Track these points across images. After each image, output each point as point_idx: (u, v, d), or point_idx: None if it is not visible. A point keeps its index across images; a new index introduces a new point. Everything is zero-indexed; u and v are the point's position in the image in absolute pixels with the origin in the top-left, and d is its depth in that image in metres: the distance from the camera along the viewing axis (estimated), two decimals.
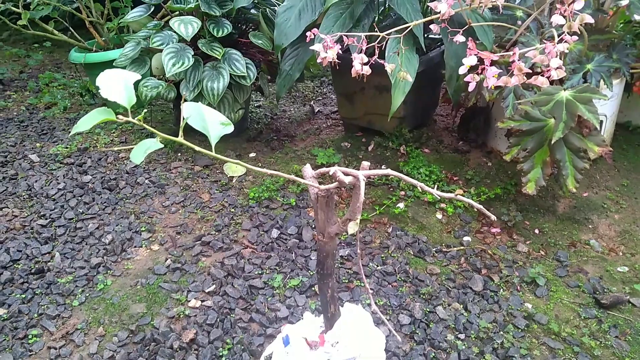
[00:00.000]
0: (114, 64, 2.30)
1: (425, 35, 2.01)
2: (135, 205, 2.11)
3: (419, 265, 1.77)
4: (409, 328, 1.52)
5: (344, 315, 1.18)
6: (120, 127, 2.74)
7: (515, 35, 1.91)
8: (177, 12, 2.29)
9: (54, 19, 3.15)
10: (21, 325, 1.55)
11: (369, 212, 2.03)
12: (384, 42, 1.42)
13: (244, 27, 2.55)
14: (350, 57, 1.30)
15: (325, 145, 2.50)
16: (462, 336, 1.49)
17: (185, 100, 2.13)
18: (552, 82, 1.50)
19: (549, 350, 1.45)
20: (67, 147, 2.56)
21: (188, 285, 1.69)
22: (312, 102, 3.11)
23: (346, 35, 1.34)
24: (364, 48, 1.29)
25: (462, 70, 1.29)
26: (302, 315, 1.34)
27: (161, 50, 2.15)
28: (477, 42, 1.90)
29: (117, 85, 0.71)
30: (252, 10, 2.47)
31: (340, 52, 1.29)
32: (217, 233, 1.94)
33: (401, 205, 2.04)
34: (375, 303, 1.59)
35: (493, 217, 0.97)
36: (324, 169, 0.97)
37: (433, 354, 1.43)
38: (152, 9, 2.38)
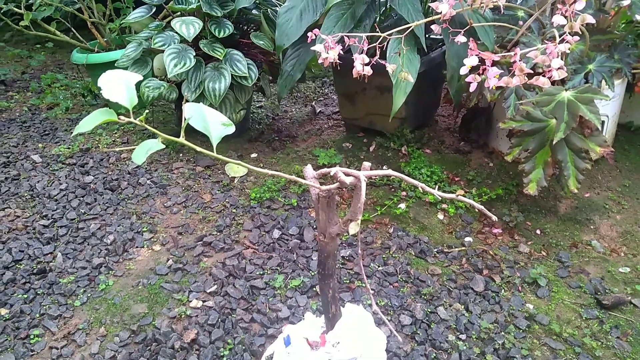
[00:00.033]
0: (115, 64, 2.31)
1: (427, 35, 2.02)
2: (137, 206, 2.12)
3: (420, 266, 1.77)
4: (410, 328, 1.52)
5: (345, 316, 1.18)
6: (122, 127, 2.75)
7: (516, 36, 1.91)
8: (179, 13, 2.29)
9: (56, 20, 3.16)
10: (23, 325, 1.56)
11: (371, 212, 2.03)
12: (385, 43, 1.42)
13: (246, 27, 2.55)
14: (352, 58, 1.30)
15: (326, 146, 2.50)
16: (463, 337, 1.49)
17: (187, 101, 2.13)
18: (553, 83, 1.50)
19: (550, 351, 1.45)
20: (69, 148, 2.56)
21: (189, 286, 1.69)
22: (313, 103, 3.11)
23: (347, 36, 1.34)
24: (365, 48, 1.29)
25: (463, 70, 1.29)
26: (303, 316, 1.35)
27: (163, 51, 2.15)
28: (479, 42, 1.90)
29: (118, 86, 0.71)
30: (254, 11, 2.48)
31: (341, 52, 1.29)
32: (218, 233, 1.94)
33: (402, 205, 2.04)
34: (377, 303, 1.60)
35: (494, 218, 0.97)
36: (325, 170, 0.97)
37: (434, 355, 1.43)
38: (154, 10, 2.39)
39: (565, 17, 1.28)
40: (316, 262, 1.74)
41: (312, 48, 1.32)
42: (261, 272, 1.74)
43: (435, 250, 1.84)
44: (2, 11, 3.08)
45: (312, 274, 1.72)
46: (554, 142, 1.64)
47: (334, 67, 1.37)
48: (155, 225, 2.00)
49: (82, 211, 2.08)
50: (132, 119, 0.69)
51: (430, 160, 2.29)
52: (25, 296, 1.67)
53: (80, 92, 3.23)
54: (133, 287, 1.71)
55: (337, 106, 2.97)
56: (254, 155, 2.48)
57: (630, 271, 1.72)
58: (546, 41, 1.32)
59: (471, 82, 1.31)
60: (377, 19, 2.25)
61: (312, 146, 2.53)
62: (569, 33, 1.26)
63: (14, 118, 2.98)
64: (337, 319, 1.17)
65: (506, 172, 2.18)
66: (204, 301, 1.63)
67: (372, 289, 1.66)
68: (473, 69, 1.27)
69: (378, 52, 1.38)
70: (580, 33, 1.31)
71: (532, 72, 1.30)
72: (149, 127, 0.72)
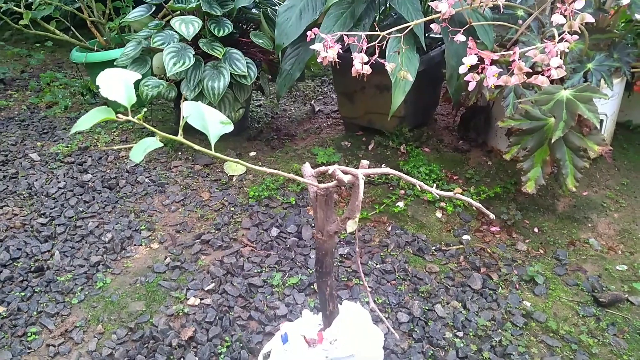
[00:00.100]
0: (115, 63, 2.31)
1: (426, 34, 2.02)
2: (135, 204, 2.12)
3: (418, 264, 1.77)
4: (407, 326, 1.52)
5: (343, 313, 1.18)
6: (121, 126, 2.75)
7: (516, 35, 1.91)
8: (178, 12, 2.29)
9: (56, 19, 3.16)
10: (20, 323, 1.56)
11: (369, 210, 2.03)
12: (385, 42, 1.42)
13: (245, 26, 2.55)
14: (351, 57, 1.30)
15: (325, 145, 2.51)
16: (460, 334, 1.49)
17: (186, 100, 2.13)
18: (552, 81, 1.50)
19: (547, 348, 1.45)
20: (67, 146, 2.56)
21: (187, 284, 1.70)
22: (312, 102, 3.11)
23: (347, 35, 1.35)
24: (364, 47, 1.29)
25: (462, 69, 1.29)
26: (300, 313, 1.35)
27: (162, 50, 2.15)
28: (478, 41, 1.91)
29: (117, 84, 0.71)
30: (253, 10, 2.48)
31: (340, 51, 1.29)
32: (216, 231, 1.94)
33: (401, 204, 2.04)
34: (374, 301, 1.60)
35: (492, 216, 0.97)
36: (323, 168, 0.97)
37: (431, 352, 1.44)
38: (154, 9, 2.39)
39: (565, 16, 1.28)
40: (314, 260, 1.74)
41: (312, 47, 1.32)
42: (259, 270, 1.75)
43: (433, 248, 1.84)
44: (1, 10, 3.08)
45: (310, 271, 1.73)
46: (552, 141, 1.64)
47: (333, 66, 1.37)
48: (154, 223, 2.01)
49: (80, 209, 2.08)
50: (130, 118, 0.69)
51: (429, 159, 2.29)
52: (23, 294, 1.67)
53: (79, 91, 3.23)
54: (131, 285, 1.71)
55: (336, 105, 2.97)
56: (252, 153, 2.48)
57: (627, 269, 1.73)
58: (545, 40, 1.32)
59: (470, 81, 1.32)
60: (377, 18, 2.25)
61: (311, 145, 2.53)
62: (568, 32, 1.27)
63: (13, 116, 2.98)
64: (335, 317, 1.17)
65: (505, 170, 2.18)
66: (201, 299, 1.63)
67: (369, 287, 1.66)
68: (472, 68, 1.27)
69: (377, 51, 1.38)
70: (580, 32, 1.31)
71: (531, 71, 1.30)
72: (147, 126, 0.72)
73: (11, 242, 1.89)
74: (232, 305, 1.60)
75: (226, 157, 0.79)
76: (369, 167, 0.94)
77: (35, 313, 1.60)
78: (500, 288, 1.67)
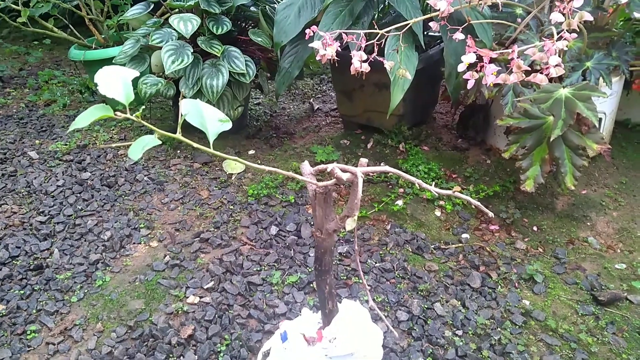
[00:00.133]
0: (113, 61, 2.30)
1: (425, 32, 2.01)
2: (134, 202, 2.12)
3: (417, 262, 1.77)
4: (406, 324, 1.52)
5: (342, 312, 1.19)
6: (120, 124, 2.74)
7: (514, 33, 1.91)
8: (177, 10, 2.29)
9: (54, 17, 3.15)
10: (20, 321, 1.56)
11: (368, 209, 2.03)
12: (384, 40, 1.42)
13: (244, 24, 2.55)
14: (350, 55, 1.30)
15: (324, 143, 2.51)
16: (459, 332, 1.50)
17: (184, 98, 2.13)
18: (551, 80, 1.50)
19: (546, 347, 1.46)
20: (66, 144, 2.56)
21: (186, 282, 1.70)
22: (311, 100, 3.11)
23: (345, 33, 1.34)
24: (363, 45, 1.29)
25: (461, 67, 1.29)
26: (300, 312, 1.35)
27: (160, 48, 2.15)
28: (477, 39, 1.91)
29: (115, 81, 0.71)
30: (252, 8, 2.47)
31: (339, 49, 1.29)
32: (215, 230, 1.94)
33: (400, 202, 2.04)
34: (373, 299, 1.60)
35: (491, 214, 0.97)
36: (322, 166, 0.97)
37: (430, 350, 1.44)
38: (152, 7, 2.38)
39: (563, 14, 1.28)
40: (313, 259, 1.74)
41: (310, 45, 1.32)
42: (258, 269, 1.75)
43: (432, 246, 1.84)
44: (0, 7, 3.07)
45: (309, 270, 1.73)
46: (551, 139, 1.64)
47: (332, 64, 1.37)
48: (153, 221, 2.00)
49: (79, 207, 2.08)
50: (128, 115, 0.69)
51: (428, 157, 2.29)
52: (22, 292, 1.67)
53: (77, 89, 3.23)
54: (130, 283, 1.71)
55: (335, 103, 2.97)
56: (251, 152, 2.48)
57: (626, 267, 1.73)
58: (544, 38, 1.32)
59: (469, 79, 1.31)
60: (375, 16, 2.25)
61: (310, 143, 2.53)
62: (566, 30, 1.26)
63: (11, 114, 2.97)
64: (334, 315, 1.17)
65: (503, 169, 2.18)
66: (201, 297, 1.63)
67: (369, 285, 1.66)
68: (471, 66, 1.27)
69: (376, 49, 1.38)
70: (578, 30, 1.31)
71: (529, 69, 1.30)
72: (145, 123, 0.72)
73: (10, 240, 1.89)
74: (231, 304, 1.60)
75: (225, 155, 0.79)
76: (367, 166, 0.94)
77: (34, 311, 1.60)
78: (500, 287, 1.67)
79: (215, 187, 2.20)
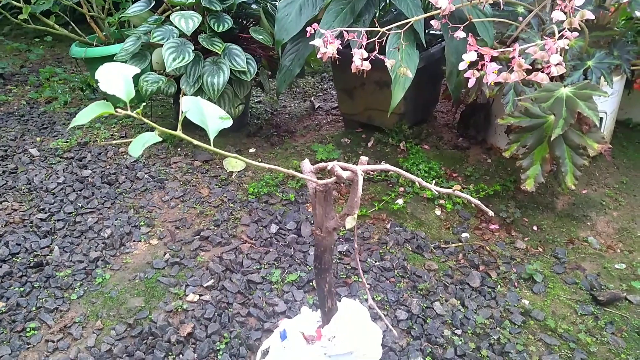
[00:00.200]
0: (114, 58, 2.30)
1: (426, 31, 2.01)
2: (134, 200, 2.12)
3: (417, 261, 1.77)
4: (406, 323, 1.52)
5: (341, 310, 1.19)
6: (121, 121, 2.74)
7: (516, 32, 1.91)
8: (178, 7, 2.28)
9: (55, 14, 3.15)
10: (19, 318, 1.56)
11: (368, 208, 2.03)
12: (385, 38, 1.42)
13: (245, 22, 2.55)
14: (351, 53, 1.30)
15: (325, 141, 2.50)
16: (458, 332, 1.50)
17: (185, 95, 2.13)
18: (552, 79, 1.50)
19: (545, 346, 1.45)
20: (67, 142, 2.56)
21: (186, 280, 1.70)
22: (312, 98, 3.11)
23: (346, 31, 1.34)
24: (364, 43, 1.29)
25: (462, 66, 1.29)
26: (299, 310, 1.35)
27: (162, 45, 2.15)
28: (478, 38, 1.90)
29: (116, 78, 0.71)
30: (253, 5, 2.47)
31: (340, 47, 1.29)
32: (216, 228, 1.94)
33: (400, 201, 2.04)
34: (373, 298, 1.60)
35: (491, 213, 0.97)
36: (322, 164, 0.97)
37: (430, 350, 1.44)
38: (153, 4, 2.38)
39: (565, 13, 1.28)
40: (313, 257, 1.74)
41: (311, 43, 1.31)
42: (258, 267, 1.75)
43: (432, 245, 1.84)
44: (1, 4, 3.07)
45: (309, 268, 1.73)
46: (552, 139, 1.64)
47: (333, 62, 1.37)
48: (153, 219, 2.00)
49: (80, 205, 2.08)
50: (129, 112, 0.69)
51: (429, 156, 2.29)
52: (22, 289, 1.67)
53: (78, 86, 3.23)
54: (130, 280, 1.71)
55: (335, 101, 2.96)
56: (252, 150, 2.48)
57: (626, 267, 1.73)
58: (545, 37, 1.32)
59: (470, 78, 1.31)
60: (377, 14, 2.25)
61: (311, 141, 2.53)
62: (568, 29, 1.26)
63: (12, 112, 2.97)
64: (333, 314, 1.17)
65: (504, 168, 2.18)
66: (200, 295, 1.63)
67: (368, 284, 1.66)
68: (472, 65, 1.27)
69: (377, 47, 1.37)
70: (580, 29, 1.31)
71: (531, 68, 1.29)
72: (146, 121, 0.72)
73: (10, 238, 1.89)
74: (231, 302, 1.60)
75: (226, 152, 0.79)
76: (368, 164, 0.94)
77: (34, 308, 1.60)
78: (499, 286, 1.67)
79: (216, 185, 2.20)
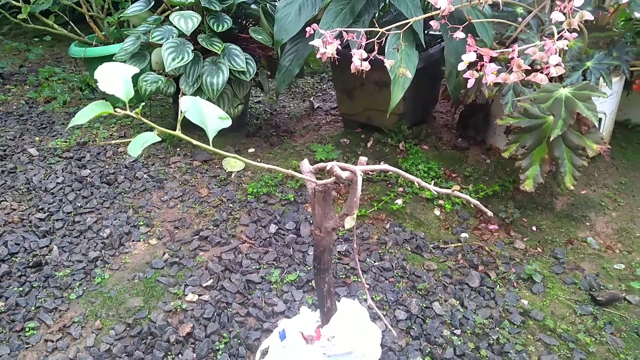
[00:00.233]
0: (113, 58, 2.30)
1: (426, 31, 2.02)
2: (133, 200, 2.12)
3: (416, 261, 1.78)
4: (405, 323, 1.52)
5: (341, 310, 1.19)
6: (120, 121, 2.74)
7: (515, 32, 1.91)
8: (177, 7, 2.28)
9: (54, 13, 3.15)
10: (18, 318, 1.56)
11: (367, 208, 2.03)
12: (384, 38, 1.42)
13: (244, 22, 2.55)
14: (350, 53, 1.30)
15: (324, 141, 2.50)
16: (458, 332, 1.50)
17: (184, 95, 2.13)
18: (551, 80, 1.50)
19: (544, 346, 1.46)
20: (66, 141, 2.56)
21: (185, 280, 1.70)
22: (311, 98, 3.11)
23: (346, 31, 1.34)
24: (363, 44, 1.29)
25: (461, 66, 1.29)
26: (298, 310, 1.35)
27: (161, 45, 2.15)
28: (477, 38, 1.90)
29: (115, 78, 0.71)
30: (252, 6, 2.47)
31: (340, 47, 1.29)
32: (215, 228, 1.94)
33: (399, 201, 2.04)
34: (372, 298, 1.60)
35: (490, 213, 0.97)
36: (321, 164, 0.97)
37: (429, 349, 1.44)
38: (152, 4, 2.38)
39: (564, 13, 1.28)
40: (312, 257, 1.74)
41: (311, 43, 1.31)
42: (257, 267, 1.75)
43: (432, 245, 1.84)
44: (0, 4, 3.06)
45: (308, 268, 1.73)
46: (551, 139, 1.64)
47: (333, 63, 1.37)
48: (152, 219, 2.00)
49: (79, 205, 2.08)
50: (128, 112, 0.69)
51: (428, 157, 2.29)
52: (21, 289, 1.67)
53: (78, 86, 3.22)
54: (129, 280, 1.71)
55: (335, 102, 2.96)
56: (251, 150, 2.48)
57: (624, 268, 1.73)
58: (544, 38, 1.32)
59: (469, 78, 1.31)
60: (376, 15, 2.25)
61: (310, 141, 2.53)
62: (567, 30, 1.26)
63: (11, 111, 2.97)
64: (333, 314, 1.17)
65: (503, 168, 2.18)
66: (199, 295, 1.63)
67: (367, 284, 1.66)
68: (471, 65, 1.27)
69: (376, 48, 1.38)
70: (579, 30, 1.31)
71: (530, 68, 1.30)
72: (145, 120, 0.72)
73: (9, 237, 1.89)
74: (230, 302, 1.60)
75: (225, 152, 0.79)
76: (367, 164, 0.94)
77: (33, 308, 1.60)
78: (498, 286, 1.67)
79: (215, 185, 2.20)
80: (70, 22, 3.18)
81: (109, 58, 2.71)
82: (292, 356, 1.16)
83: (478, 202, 0.94)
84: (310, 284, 1.66)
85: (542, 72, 1.24)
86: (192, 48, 2.16)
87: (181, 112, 0.73)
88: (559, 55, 1.22)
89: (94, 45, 2.99)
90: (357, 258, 1.22)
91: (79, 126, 2.69)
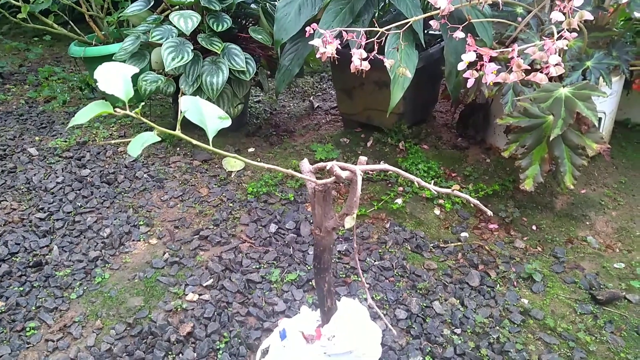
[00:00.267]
0: (113, 57, 2.30)
1: (425, 31, 2.01)
2: (133, 199, 2.12)
3: (416, 261, 1.78)
4: (405, 323, 1.52)
5: (341, 310, 1.19)
6: (120, 121, 2.74)
7: (515, 32, 1.91)
8: (177, 6, 2.28)
9: (54, 13, 3.15)
10: (19, 318, 1.56)
11: (367, 207, 2.03)
12: (384, 38, 1.42)
13: (244, 21, 2.55)
14: (350, 53, 1.30)
15: (324, 141, 2.50)
16: (458, 331, 1.50)
17: (184, 95, 2.13)
18: (551, 79, 1.50)
19: (545, 345, 1.46)
20: (66, 141, 2.56)
21: (186, 279, 1.70)
22: (311, 98, 3.11)
23: (346, 31, 1.34)
24: (363, 43, 1.29)
25: (461, 66, 1.29)
26: (299, 310, 1.35)
27: (161, 45, 2.15)
28: (477, 38, 1.90)
29: (115, 78, 0.71)
30: (252, 5, 2.47)
31: (339, 47, 1.29)
32: (215, 227, 1.94)
33: (399, 201, 2.04)
34: (372, 298, 1.60)
35: (489, 213, 0.98)
36: (321, 164, 0.97)
37: (429, 349, 1.44)
38: (152, 3, 2.38)
39: (564, 13, 1.28)
40: (312, 257, 1.74)
41: (310, 43, 1.32)
42: (257, 266, 1.75)
43: (432, 245, 1.84)
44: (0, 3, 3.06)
45: (309, 268, 1.73)
46: (550, 139, 1.64)
47: (332, 62, 1.37)
48: (152, 218, 2.00)
49: (79, 204, 2.08)
50: (128, 112, 0.69)
51: (428, 156, 2.29)
52: (21, 289, 1.67)
53: (77, 86, 3.23)
54: (129, 280, 1.71)
55: (335, 101, 2.97)
56: (251, 149, 2.48)
57: (624, 267, 1.73)
58: (544, 37, 1.32)
59: (469, 78, 1.32)
60: (376, 14, 2.25)
61: (310, 141, 2.53)
62: (567, 30, 1.26)
63: (11, 111, 2.97)
64: (333, 313, 1.17)
65: (503, 168, 2.18)
66: (200, 294, 1.63)
67: (367, 283, 1.66)
68: (471, 65, 1.27)
69: (376, 47, 1.38)
70: (579, 30, 1.31)
71: (529, 68, 1.30)
72: (145, 120, 0.72)
73: (10, 237, 1.89)
74: (230, 301, 1.60)
75: (225, 152, 0.79)
76: (367, 164, 0.94)
77: (33, 308, 1.60)
78: (498, 285, 1.67)
79: (215, 184, 2.20)
80: (70, 22, 3.18)
81: (108, 57, 2.71)
82: (293, 355, 1.16)
83: (478, 202, 0.94)
84: (310, 283, 1.66)
85: (541, 72, 1.24)
86: (192, 48, 2.16)
87: (181, 112, 0.73)
88: (559, 55, 1.22)
89: (94, 45, 2.99)
90: (357, 257, 1.22)
91: (78, 126, 2.69)
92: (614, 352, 1.43)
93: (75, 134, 2.63)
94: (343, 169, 0.90)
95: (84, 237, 1.91)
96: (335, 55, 1.27)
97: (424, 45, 2.04)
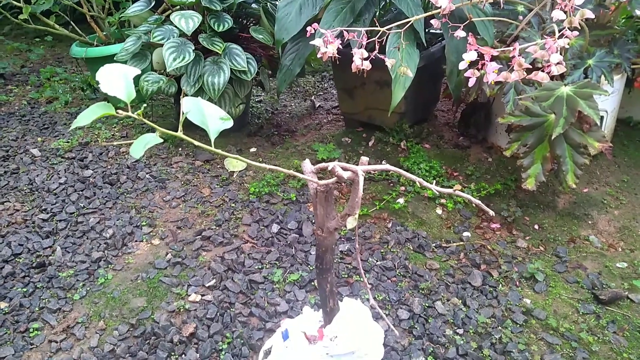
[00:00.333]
0: (115, 58, 2.30)
1: (426, 30, 2.01)
2: (136, 200, 2.12)
3: (418, 261, 1.78)
4: (407, 323, 1.52)
5: (343, 310, 1.19)
6: (122, 121, 2.75)
7: (516, 31, 1.90)
8: (178, 7, 2.28)
9: (55, 13, 3.15)
10: (22, 319, 1.56)
11: (369, 207, 2.03)
12: (385, 37, 1.42)
13: (245, 21, 2.55)
14: (351, 52, 1.30)
15: (325, 141, 2.50)
16: (460, 331, 1.50)
17: (186, 95, 2.13)
18: (552, 78, 1.50)
19: (547, 346, 1.46)
20: (68, 142, 2.56)
21: (188, 280, 1.70)
22: (312, 97, 3.11)
23: (347, 30, 1.34)
24: (364, 43, 1.29)
25: (462, 65, 1.29)
26: (301, 310, 1.35)
27: (162, 45, 2.15)
28: (478, 37, 1.90)
29: (117, 79, 0.71)
30: (253, 5, 2.47)
31: (340, 47, 1.29)
32: (217, 228, 1.94)
33: (401, 200, 2.04)
34: (374, 298, 1.60)
35: (491, 213, 0.97)
36: (323, 164, 0.97)
37: (431, 349, 1.44)
38: (153, 3, 2.38)
39: (565, 12, 1.28)
40: (314, 257, 1.74)
41: (312, 42, 1.31)
42: (260, 267, 1.75)
43: (434, 245, 1.84)
44: (1, 4, 3.07)
45: (311, 268, 1.73)
46: (552, 137, 1.64)
47: (333, 62, 1.37)
48: (154, 219, 2.01)
49: (81, 205, 2.08)
50: (130, 113, 0.69)
51: (429, 155, 2.29)
52: (25, 290, 1.67)
53: (79, 86, 3.23)
54: (132, 281, 1.71)
55: (336, 101, 2.96)
56: (253, 149, 2.48)
57: (627, 266, 1.73)
58: (545, 36, 1.31)
59: (470, 77, 1.31)
60: (377, 13, 2.25)
61: (311, 141, 2.53)
62: (568, 28, 1.26)
63: (13, 112, 2.97)
64: (335, 313, 1.17)
65: (505, 167, 2.18)
66: (202, 295, 1.63)
67: (370, 284, 1.66)
68: (472, 64, 1.27)
69: (377, 47, 1.38)
70: (580, 28, 1.31)
71: (531, 67, 1.30)
72: (147, 121, 0.72)
73: (13, 238, 1.89)
74: (233, 302, 1.60)
75: (226, 153, 0.79)
76: (369, 164, 0.94)
77: (37, 309, 1.60)
78: (501, 285, 1.67)
79: (217, 185, 2.20)
80: (71, 22, 3.18)
81: (110, 58, 2.72)
82: (295, 356, 1.16)
83: (479, 202, 0.94)
84: (312, 283, 1.67)
85: (543, 71, 1.23)
86: (193, 48, 2.16)
87: (183, 112, 0.73)
88: (560, 54, 1.22)
89: (95, 46, 3.00)
90: (359, 257, 1.22)
91: (80, 127, 2.69)
92: (616, 352, 1.43)
93: (77, 134, 2.63)
94: (345, 169, 0.90)
95: (87, 238, 1.91)
96: (337, 55, 1.27)
97: (425, 45, 2.03)
